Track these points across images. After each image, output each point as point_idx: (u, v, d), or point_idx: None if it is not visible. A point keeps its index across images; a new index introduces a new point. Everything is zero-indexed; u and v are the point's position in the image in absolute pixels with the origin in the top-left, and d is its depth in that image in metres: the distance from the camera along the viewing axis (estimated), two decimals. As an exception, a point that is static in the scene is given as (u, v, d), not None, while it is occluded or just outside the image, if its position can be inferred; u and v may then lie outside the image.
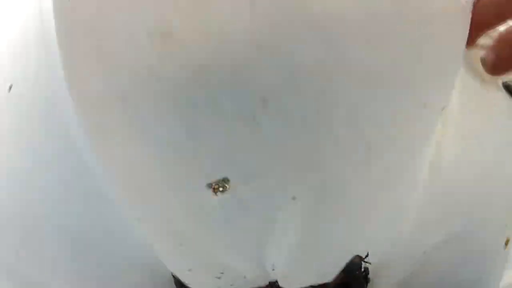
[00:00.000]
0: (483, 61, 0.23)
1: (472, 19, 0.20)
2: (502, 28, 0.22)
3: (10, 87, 0.26)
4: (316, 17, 0.18)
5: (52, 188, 0.25)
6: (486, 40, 0.22)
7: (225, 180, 0.21)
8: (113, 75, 0.19)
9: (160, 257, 0.25)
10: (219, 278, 0.26)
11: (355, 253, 0.25)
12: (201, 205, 0.22)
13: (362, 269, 0.26)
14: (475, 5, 0.20)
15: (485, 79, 0.24)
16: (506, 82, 0.27)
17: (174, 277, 0.27)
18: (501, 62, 0.22)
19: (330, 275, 0.26)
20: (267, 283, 0.27)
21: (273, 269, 0.25)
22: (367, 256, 0.25)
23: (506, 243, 0.27)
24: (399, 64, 0.20)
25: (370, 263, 0.26)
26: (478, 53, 0.23)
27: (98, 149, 0.22)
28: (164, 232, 0.24)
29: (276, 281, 0.27)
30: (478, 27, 0.21)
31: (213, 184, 0.21)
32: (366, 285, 0.27)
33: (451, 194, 0.25)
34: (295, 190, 0.22)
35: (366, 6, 0.18)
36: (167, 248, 0.25)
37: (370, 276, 0.27)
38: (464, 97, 0.23)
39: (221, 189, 0.21)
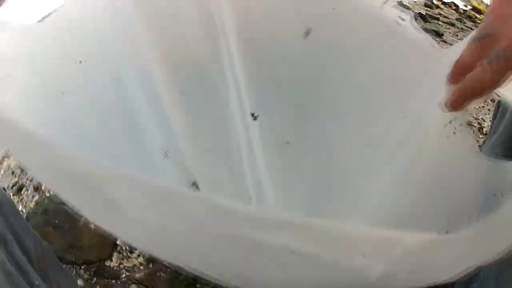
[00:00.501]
0: (445, 103, 0.31)
1: (455, 65, 0.29)
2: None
3: (80, 62, 0.35)
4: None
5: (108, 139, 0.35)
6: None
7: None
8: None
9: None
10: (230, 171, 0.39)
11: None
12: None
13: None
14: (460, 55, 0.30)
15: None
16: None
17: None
18: (457, 103, 0.30)
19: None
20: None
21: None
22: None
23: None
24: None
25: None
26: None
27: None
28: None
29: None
30: (460, 70, 0.29)
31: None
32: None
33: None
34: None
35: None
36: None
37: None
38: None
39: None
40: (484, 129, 1.05)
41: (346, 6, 0.36)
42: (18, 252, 0.32)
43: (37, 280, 0.31)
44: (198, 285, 0.86)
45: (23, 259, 0.32)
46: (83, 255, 0.85)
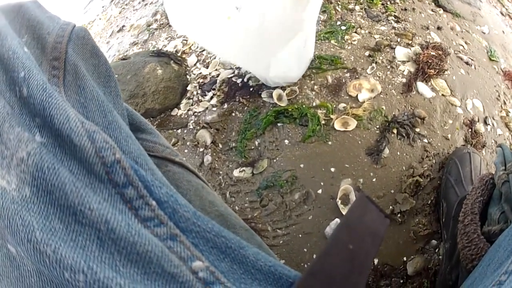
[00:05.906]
0: None
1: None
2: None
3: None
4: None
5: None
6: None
7: None
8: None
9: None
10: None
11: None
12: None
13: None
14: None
15: None
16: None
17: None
18: None
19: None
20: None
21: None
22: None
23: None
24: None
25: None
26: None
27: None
28: None
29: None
30: None
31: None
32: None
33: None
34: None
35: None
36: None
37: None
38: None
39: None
40: None
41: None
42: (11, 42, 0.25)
43: (23, 71, 0.24)
44: (279, 124, 0.76)
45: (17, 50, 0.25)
46: (146, 104, 0.77)
